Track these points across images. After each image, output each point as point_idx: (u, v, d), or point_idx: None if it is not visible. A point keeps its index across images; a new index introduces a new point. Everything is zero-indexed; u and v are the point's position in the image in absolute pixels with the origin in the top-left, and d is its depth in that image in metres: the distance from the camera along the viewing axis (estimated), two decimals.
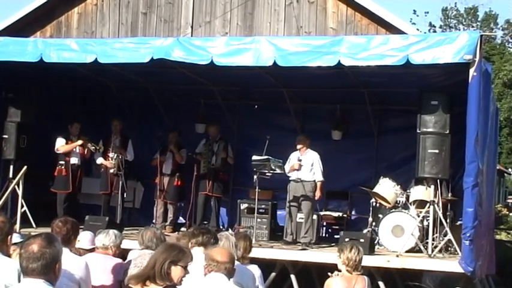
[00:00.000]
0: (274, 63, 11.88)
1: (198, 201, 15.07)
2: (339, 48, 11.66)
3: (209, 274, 5.85)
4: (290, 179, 13.65)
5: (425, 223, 12.86)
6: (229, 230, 13.41)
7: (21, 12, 17.69)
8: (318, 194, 13.57)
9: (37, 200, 15.03)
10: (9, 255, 5.99)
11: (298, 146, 13.71)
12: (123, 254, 8.20)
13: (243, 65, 12.30)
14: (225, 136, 15.59)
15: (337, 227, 15.11)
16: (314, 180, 13.53)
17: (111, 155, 14.95)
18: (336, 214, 15.37)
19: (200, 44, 12.57)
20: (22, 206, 13.78)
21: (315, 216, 13.92)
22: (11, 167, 14.37)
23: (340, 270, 7.92)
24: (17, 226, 12.73)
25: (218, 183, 15.16)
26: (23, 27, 17.43)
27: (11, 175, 14.19)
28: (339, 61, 11.53)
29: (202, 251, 6.64)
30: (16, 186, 13.79)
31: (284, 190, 13.91)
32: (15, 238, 7.43)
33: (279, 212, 14.86)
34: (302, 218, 13.58)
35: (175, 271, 5.55)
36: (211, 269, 5.87)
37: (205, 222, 14.98)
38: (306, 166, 13.52)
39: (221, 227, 15.08)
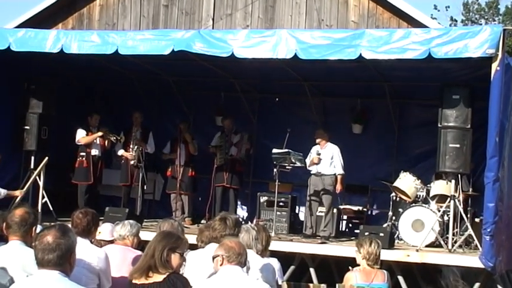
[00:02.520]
0: (295, 56, 11.84)
1: (216, 193, 15.09)
2: (360, 42, 11.59)
3: (224, 267, 5.80)
4: (311, 172, 13.63)
5: (445, 218, 12.81)
6: (249, 222, 13.41)
7: (43, 4, 17.75)
8: (338, 187, 13.53)
9: (58, 191, 15.11)
10: (31, 246, 6.02)
11: (317, 140, 13.68)
12: (143, 246, 8.22)
13: (264, 57, 12.26)
14: (243, 129, 15.60)
15: (357, 221, 15.06)
16: (334, 174, 13.50)
17: (131, 146, 14.99)
18: (355, 208, 15.32)
19: (221, 37, 12.53)
20: (43, 197, 13.85)
21: (335, 210, 13.90)
22: (32, 158, 14.43)
23: (359, 265, 7.92)
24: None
25: (235, 174, 15.16)
26: (45, 19, 17.50)
27: (32, 166, 14.26)
28: (360, 54, 11.48)
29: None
30: (37, 177, 13.84)
31: (304, 183, 13.90)
32: (38, 229, 7.46)
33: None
34: (322, 212, 13.57)
35: (175, 258, 5.57)
36: (225, 262, 5.82)
37: None
38: (325, 160, 13.48)
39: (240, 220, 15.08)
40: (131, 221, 8.23)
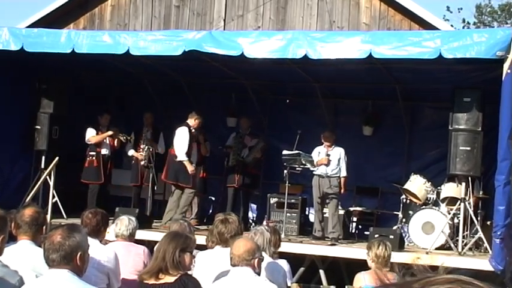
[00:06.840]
0: (305, 56, 11.76)
1: (227, 194, 15.06)
2: (371, 41, 11.55)
3: (234, 268, 5.82)
4: (314, 173, 13.55)
5: (455, 220, 12.79)
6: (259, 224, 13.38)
7: (55, 3, 17.79)
8: (341, 189, 13.50)
9: (68, 190, 15.14)
10: (41, 246, 6.03)
11: (326, 143, 13.61)
12: (153, 246, 8.22)
13: (274, 57, 12.20)
14: (263, 136, 15.60)
15: (366, 223, 15.03)
16: (339, 176, 13.47)
17: (142, 147, 15.00)
18: (365, 210, 15.30)
19: (232, 37, 12.51)
20: (53, 197, 13.88)
21: (341, 212, 13.88)
22: (43, 157, 14.47)
23: (370, 268, 7.94)
24: (48, 216, 12.81)
25: (247, 176, 15.13)
26: (57, 19, 17.53)
27: (42, 166, 14.29)
28: (370, 53, 11.40)
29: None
30: (48, 177, 13.88)
31: None
32: None
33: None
34: (328, 213, 13.55)
35: (186, 258, 5.58)
36: (232, 263, 5.85)
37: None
38: (333, 161, 13.45)
39: (250, 221, 15.08)
40: (129, 216, 8.14)
